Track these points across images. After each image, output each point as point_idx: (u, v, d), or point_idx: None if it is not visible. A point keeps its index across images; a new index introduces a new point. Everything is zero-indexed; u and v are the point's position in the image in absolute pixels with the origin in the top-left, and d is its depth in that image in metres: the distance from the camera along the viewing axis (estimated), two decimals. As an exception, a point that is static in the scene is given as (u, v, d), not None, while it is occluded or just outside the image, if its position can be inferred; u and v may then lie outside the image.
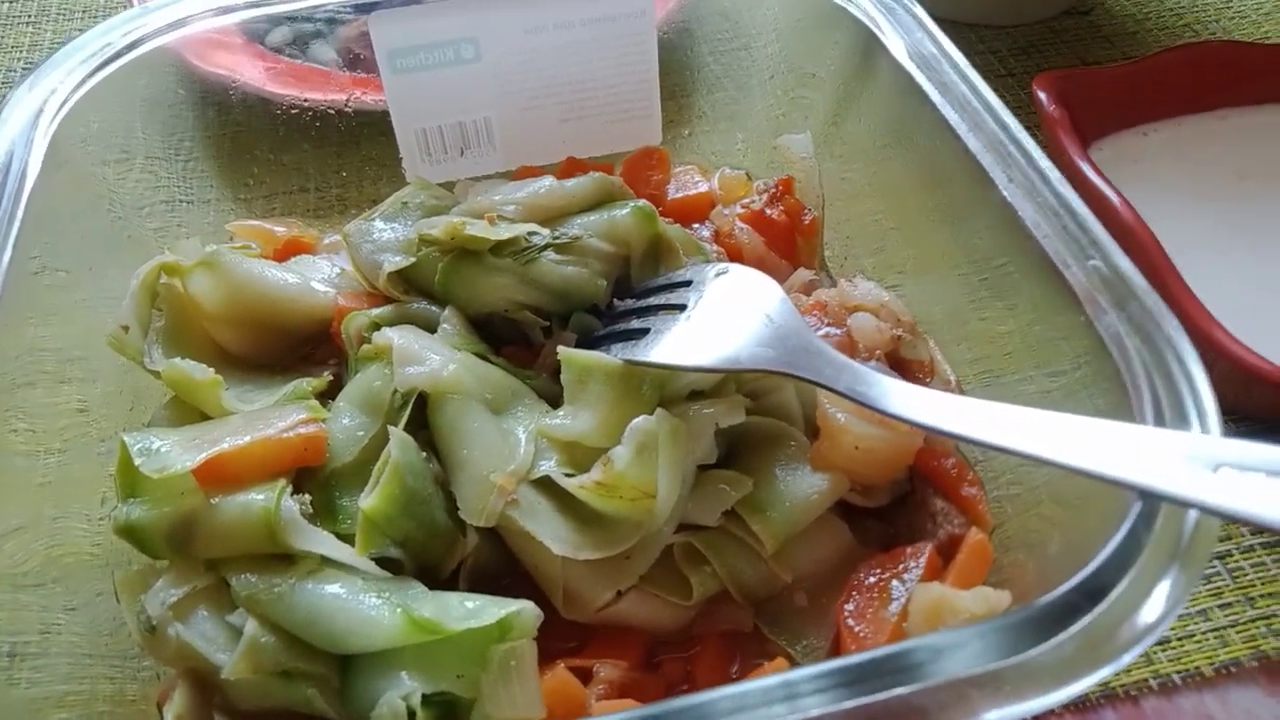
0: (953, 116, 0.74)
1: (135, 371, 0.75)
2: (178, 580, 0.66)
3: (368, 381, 0.74)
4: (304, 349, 0.84)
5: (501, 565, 0.72)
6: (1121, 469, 0.52)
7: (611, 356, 0.73)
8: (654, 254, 0.85)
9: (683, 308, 0.75)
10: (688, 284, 0.78)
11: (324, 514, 0.70)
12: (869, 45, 0.83)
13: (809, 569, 0.72)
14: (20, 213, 0.69)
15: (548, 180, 0.85)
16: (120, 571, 0.67)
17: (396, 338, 0.73)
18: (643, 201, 0.84)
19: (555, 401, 0.76)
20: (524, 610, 0.64)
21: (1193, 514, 0.53)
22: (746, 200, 0.95)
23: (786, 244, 0.93)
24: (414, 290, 0.82)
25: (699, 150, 1.00)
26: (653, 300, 0.78)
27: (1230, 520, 0.49)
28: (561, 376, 0.74)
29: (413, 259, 0.80)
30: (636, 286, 0.84)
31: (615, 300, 0.82)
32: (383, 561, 0.67)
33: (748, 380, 0.76)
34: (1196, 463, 0.51)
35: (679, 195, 0.97)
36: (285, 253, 0.91)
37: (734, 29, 0.96)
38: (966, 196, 0.74)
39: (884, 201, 0.87)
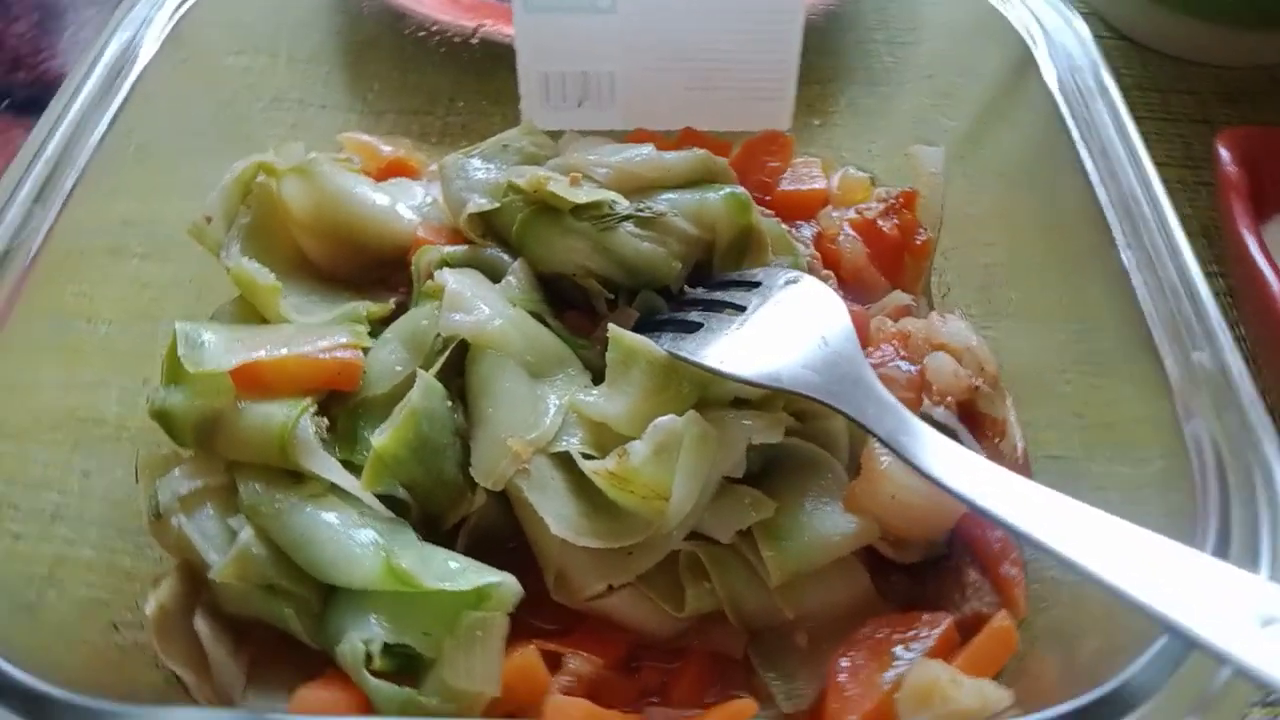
0: (1088, 160, 0.66)
1: (208, 265, 0.76)
2: (194, 473, 0.68)
3: (417, 319, 0.73)
4: (381, 271, 0.84)
5: (507, 530, 0.70)
6: (1153, 595, 0.46)
7: (658, 345, 0.69)
8: (741, 245, 0.80)
9: (743, 309, 0.71)
10: (756, 285, 0.73)
11: (345, 440, 0.70)
12: (1022, 63, 0.75)
13: (815, 610, 0.67)
14: (126, 89, 0.71)
15: (647, 149, 0.81)
16: (145, 452, 0.69)
17: (451, 280, 0.72)
18: (740, 189, 0.79)
19: (603, 376, 0.73)
20: (504, 584, 0.63)
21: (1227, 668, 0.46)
22: (863, 206, 0.89)
23: (892, 261, 0.87)
24: (492, 236, 0.80)
25: (826, 144, 0.94)
26: (716, 295, 0.74)
27: (1265, 686, 0.42)
28: (607, 354, 0.71)
29: (497, 204, 0.79)
30: (715, 276, 0.80)
31: (687, 287, 0.79)
32: (390, 501, 0.67)
33: (798, 399, 0.71)
34: (1246, 612, 0.44)
35: (791, 187, 0.92)
36: (387, 173, 0.91)
37: (887, 22, 0.89)
38: (1083, 250, 0.66)
39: (1002, 236, 0.79)
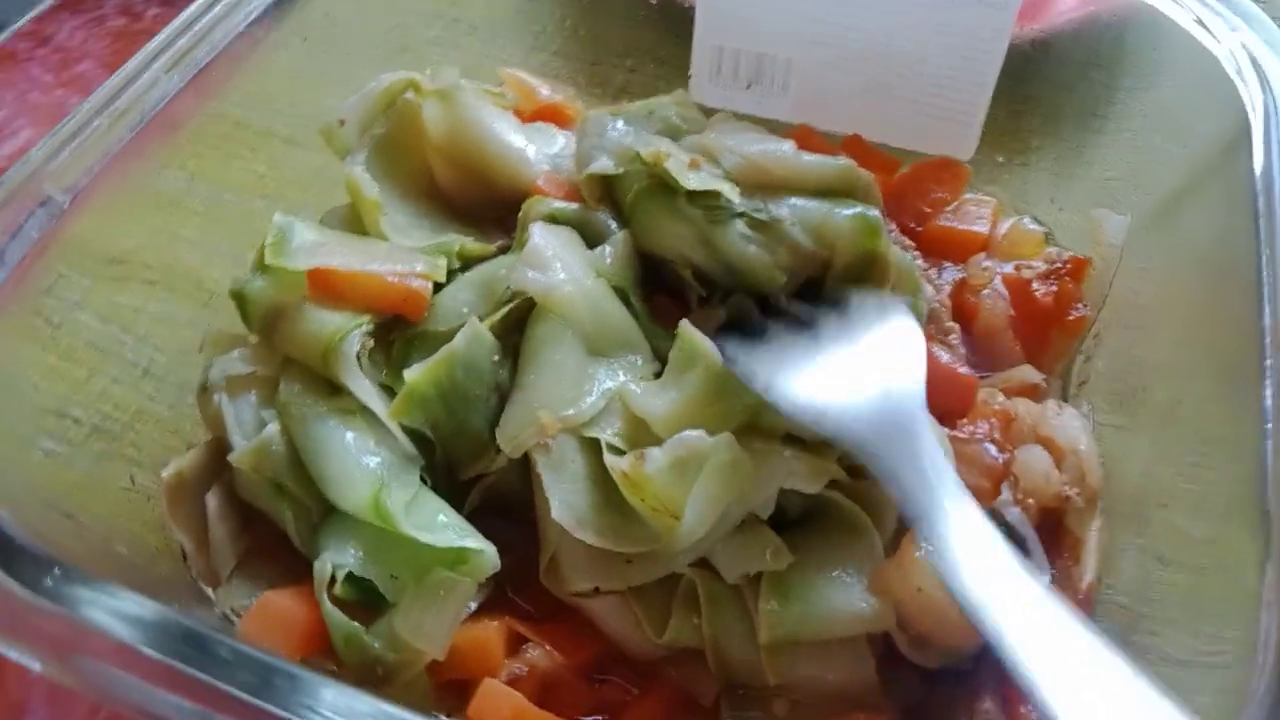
0: (1266, 272, 0.54)
1: (331, 167, 0.78)
2: (251, 359, 0.70)
3: (498, 266, 0.72)
4: (501, 210, 0.83)
5: (524, 499, 0.68)
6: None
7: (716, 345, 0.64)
8: (860, 271, 0.72)
9: (813, 328, 0.65)
10: (838, 304, 0.67)
11: (396, 365, 0.69)
12: (1237, 139, 0.62)
13: (803, 683, 0.61)
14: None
15: (788, 146, 0.75)
16: (216, 328, 0.72)
17: (537, 235, 0.70)
18: (873, 212, 0.71)
19: None
20: (484, 553, 0.61)
21: None
22: (1024, 263, 0.79)
23: (1036, 332, 0.76)
24: (609, 202, 0.77)
25: (1006, 184, 0.84)
26: (794, 308, 0.68)
27: None
28: (671, 350, 0.67)
29: (619, 170, 0.75)
30: (827, 297, 0.73)
31: (788, 298, 0.72)
32: (419, 437, 0.67)
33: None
34: None
35: (950, 224, 0.82)
36: (539, 116, 0.89)
37: (1101, 65, 0.77)
38: (1236, 378, 0.55)
39: (1166, 335, 0.67)
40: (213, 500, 0.67)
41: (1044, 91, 0.80)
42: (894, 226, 0.77)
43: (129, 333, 0.75)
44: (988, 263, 0.78)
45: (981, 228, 0.81)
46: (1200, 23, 0.69)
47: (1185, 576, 0.53)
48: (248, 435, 0.67)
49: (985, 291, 0.77)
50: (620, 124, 0.80)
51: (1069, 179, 0.81)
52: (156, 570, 0.65)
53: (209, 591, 0.66)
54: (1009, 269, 0.79)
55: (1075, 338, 0.75)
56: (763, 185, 0.74)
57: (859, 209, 0.72)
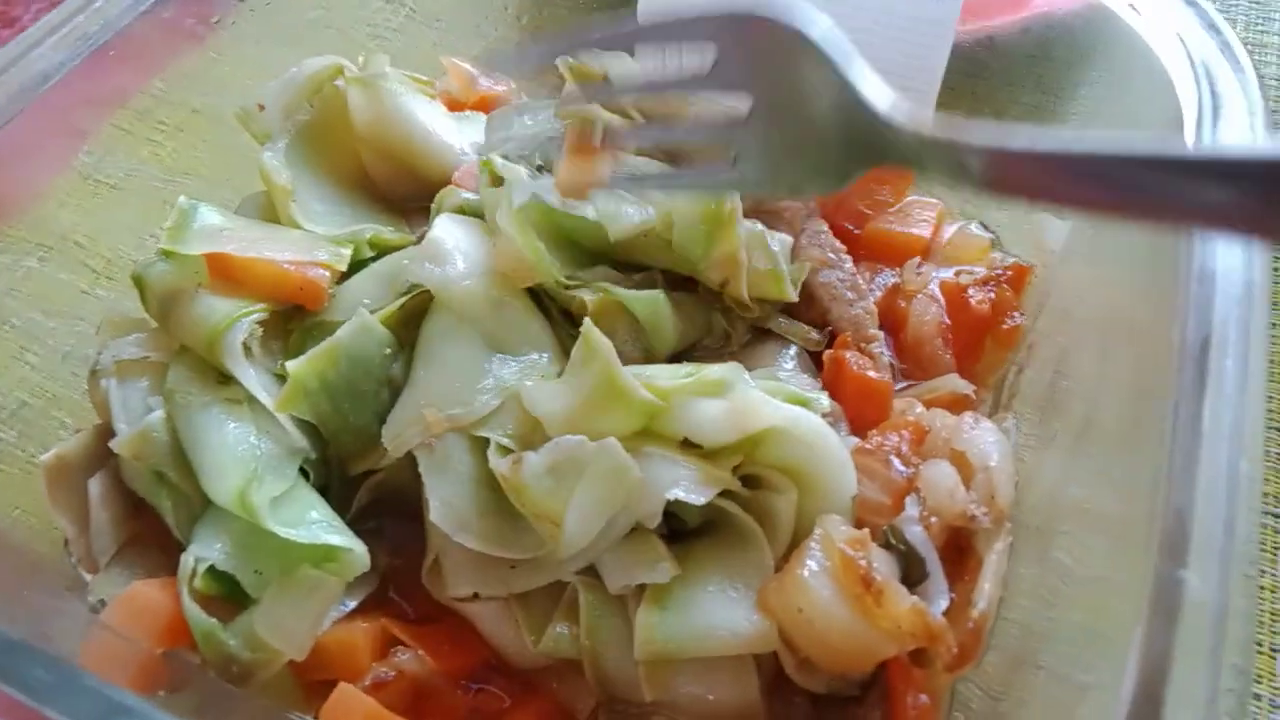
0: (1196, 285, 0.51)
1: (248, 153, 0.76)
2: (144, 344, 0.68)
3: (402, 258, 0.70)
4: (428, 200, 0.82)
5: (417, 497, 0.66)
6: None
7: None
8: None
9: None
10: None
11: (292, 355, 0.67)
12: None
13: (683, 702, 0.58)
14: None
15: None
16: (115, 312, 0.70)
17: (438, 227, 0.68)
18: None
19: None
20: (352, 554, 0.58)
21: None
22: (964, 268, 0.75)
23: (969, 342, 0.73)
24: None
25: (950, 186, 0.80)
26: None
27: None
28: (574, 346, 0.64)
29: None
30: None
31: None
32: (312, 429, 0.65)
33: (755, 464, 0.60)
34: None
35: (889, 226, 0.79)
36: (480, 105, 0.87)
37: (1053, 62, 0.73)
38: (1142, 396, 0.51)
39: (1100, 352, 0.63)
40: (95, 486, 0.65)
41: (992, 89, 0.76)
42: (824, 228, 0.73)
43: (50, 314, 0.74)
44: (923, 268, 0.75)
45: (923, 231, 0.78)
46: (1148, 22, 0.65)
47: (1077, 612, 0.50)
48: (132, 422, 0.65)
49: (917, 298, 0.73)
50: (525, 117, 0.78)
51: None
52: (34, 550, 0.64)
53: (87, 578, 0.64)
54: (948, 274, 0.75)
55: (1009, 348, 0.71)
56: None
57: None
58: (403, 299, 0.66)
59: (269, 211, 0.76)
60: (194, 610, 0.57)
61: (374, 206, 0.79)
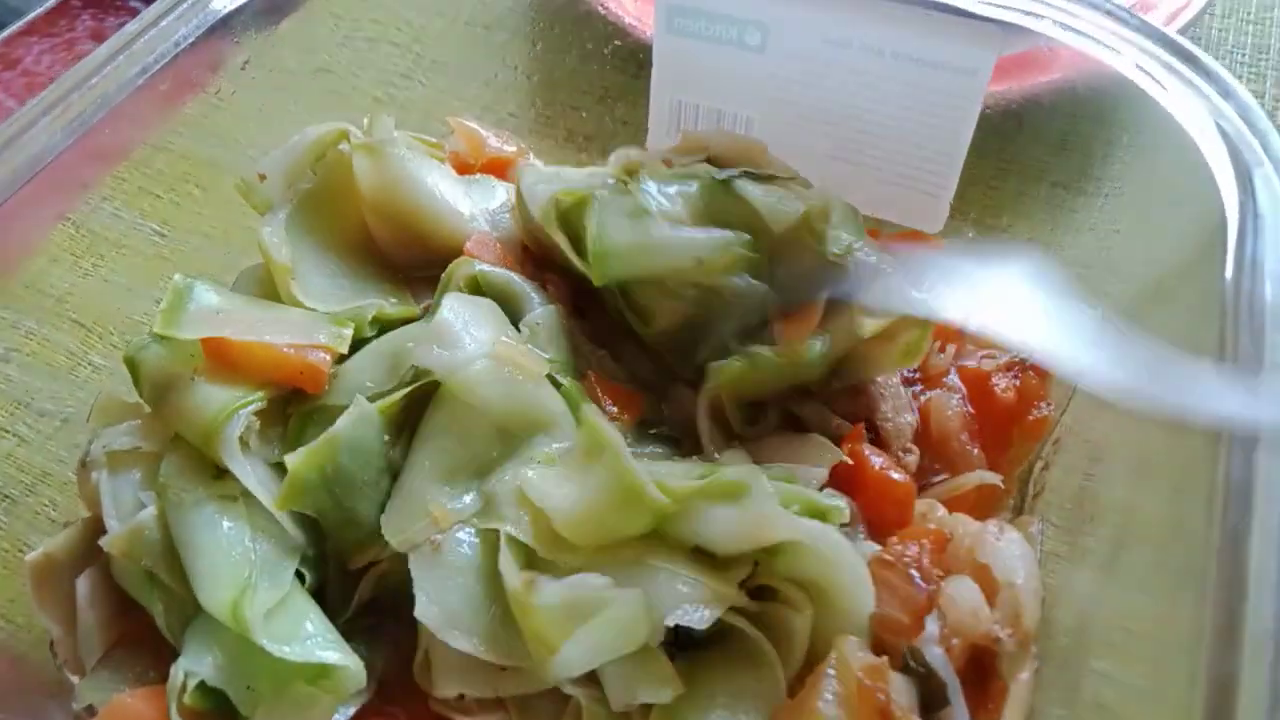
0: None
1: (248, 223, 0.74)
2: (136, 433, 0.66)
3: (405, 339, 0.67)
4: (439, 269, 0.79)
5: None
6: None
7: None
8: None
9: None
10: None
11: (293, 442, 0.65)
12: (1213, 239, 0.55)
13: (689, 832, 0.55)
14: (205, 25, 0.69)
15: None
16: (108, 394, 0.68)
17: (447, 308, 0.65)
18: None
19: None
20: (348, 670, 0.56)
21: None
22: (985, 354, 0.72)
23: (996, 431, 0.70)
24: (554, 267, 0.72)
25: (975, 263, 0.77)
26: None
27: None
28: (576, 436, 0.62)
29: (581, 191, 0.70)
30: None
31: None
32: (310, 521, 0.62)
33: (772, 574, 0.58)
34: None
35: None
36: (489, 168, 0.85)
37: (1082, 140, 0.70)
38: (1179, 521, 0.48)
39: (1132, 447, 0.60)
40: (84, 585, 0.63)
41: (1017, 166, 0.74)
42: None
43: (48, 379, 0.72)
44: (943, 353, 0.72)
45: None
46: (1182, 102, 0.62)
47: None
48: (123, 518, 0.63)
49: (939, 390, 0.70)
50: (564, 173, 0.76)
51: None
52: (14, 649, 0.62)
53: (73, 680, 0.62)
54: (970, 361, 0.72)
55: (1036, 440, 0.68)
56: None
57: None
58: (407, 389, 0.63)
59: (268, 285, 0.74)
60: (181, 730, 0.54)
61: (378, 275, 0.77)
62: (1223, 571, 0.43)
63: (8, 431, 0.73)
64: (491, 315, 0.67)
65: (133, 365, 0.66)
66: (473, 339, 0.64)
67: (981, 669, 0.56)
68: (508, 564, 0.57)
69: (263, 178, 0.75)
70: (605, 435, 0.60)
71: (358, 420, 0.61)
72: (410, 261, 0.78)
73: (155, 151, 0.80)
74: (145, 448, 0.65)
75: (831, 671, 0.53)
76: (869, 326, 0.66)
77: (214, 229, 0.83)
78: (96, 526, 0.64)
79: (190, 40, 0.74)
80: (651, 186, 0.70)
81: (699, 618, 0.55)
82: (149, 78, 0.68)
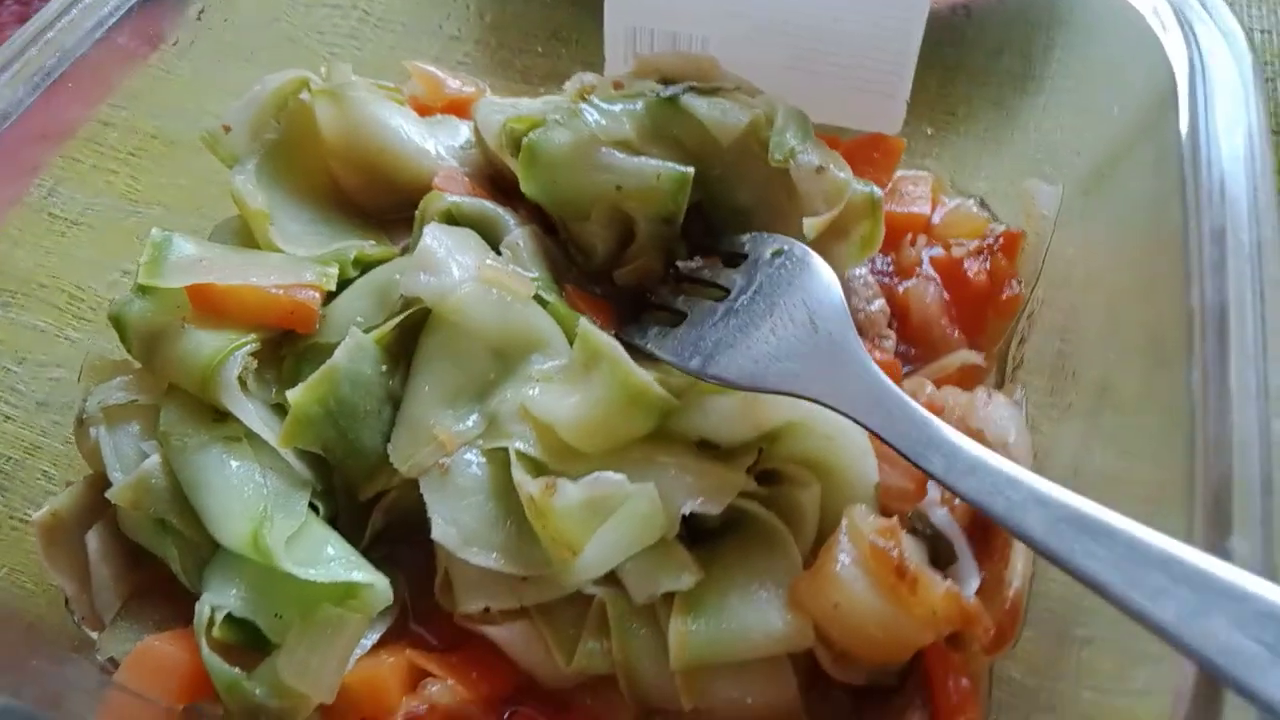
0: (1193, 242, 0.50)
1: (219, 177, 0.73)
2: (130, 387, 0.66)
3: (391, 271, 0.68)
4: (410, 210, 0.79)
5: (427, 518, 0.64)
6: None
7: (642, 342, 0.64)
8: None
9: (728, 292, 0.63)
10: (743, 258, 0.66)
11: (288, 382, 0.65)
12: (1165, 98, 0.58)
13: (722, 708, 0.57)
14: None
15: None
16: (95, 355, 0.67)
17: (429, 236, 0.66)
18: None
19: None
20: (375, 587, 0.57)
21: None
22: (954, 240, 0.75)
23: (971, 314, 0.72)
24: (518, 196, 0.73)
25: (934, 156, 0.79)
26: (703, 274, 0.67)
27: None
28: (573, 348, 0.63)
29: (534, 117, 0.71)
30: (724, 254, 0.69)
31: (678, 264, 0.70)
32: (314, 458, 0.63)
33: (775, 458, 0.60)
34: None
35: (888, 208, 0.78)
36: (448, 109, 0.85)
37: (1032, 26, 0.72)
38: (1165, 358, 0.51)
39: (1102, 312, 0.63)
40: (94, 540, 0.63)
41: (970, 58, 0.76)
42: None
43: (21, 362, 0.71)
44: (915, 245, 0.74)
45: (920, 209, 0.77)
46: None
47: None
48: (127, 469, 0.62)
49: (915, 279, 0.73)
50: (520, 103, 0.76)
51: (998, 146, 0.76)
52: (31, 611, 0.61)
53: (93, 635, 0.62)
54: (938, 250, 0.75)
55: (1010, 317, 0.71)
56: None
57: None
58: (399, 316, 0.64)
59: (244, 237, 0.73)
60: (215, 661, 0.55)
61: (351, 222, 0.77)
62: (1211, 386, 0.46)
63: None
64: (472, 241, 0.68)
65: (119, 322, 0.65)
66: (458, 264, 0.65)
67: (982, 525, 0.59)
68: (521, 475, 0.58)
69: (227, 129, 0.74)
70: (602, 343, 0.61)
71: (354, 350, 0.62)
72: (379, 205, 0.78)
73: (102, 128, 0.79)
74: (141, 400, 0.65)
75: (845, 538, 0.55)
76: (811, 226, 0.67)
77: (174, 199, 0.82)
78: (100, 482, 0.64)
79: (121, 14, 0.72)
80: (596, 106, 0.71)
81: (713, 505, 0.57)
82: (105, 33, 0.67)
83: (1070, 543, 0.42)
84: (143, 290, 0.66)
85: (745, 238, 0.68)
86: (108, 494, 0.61)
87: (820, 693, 0.58)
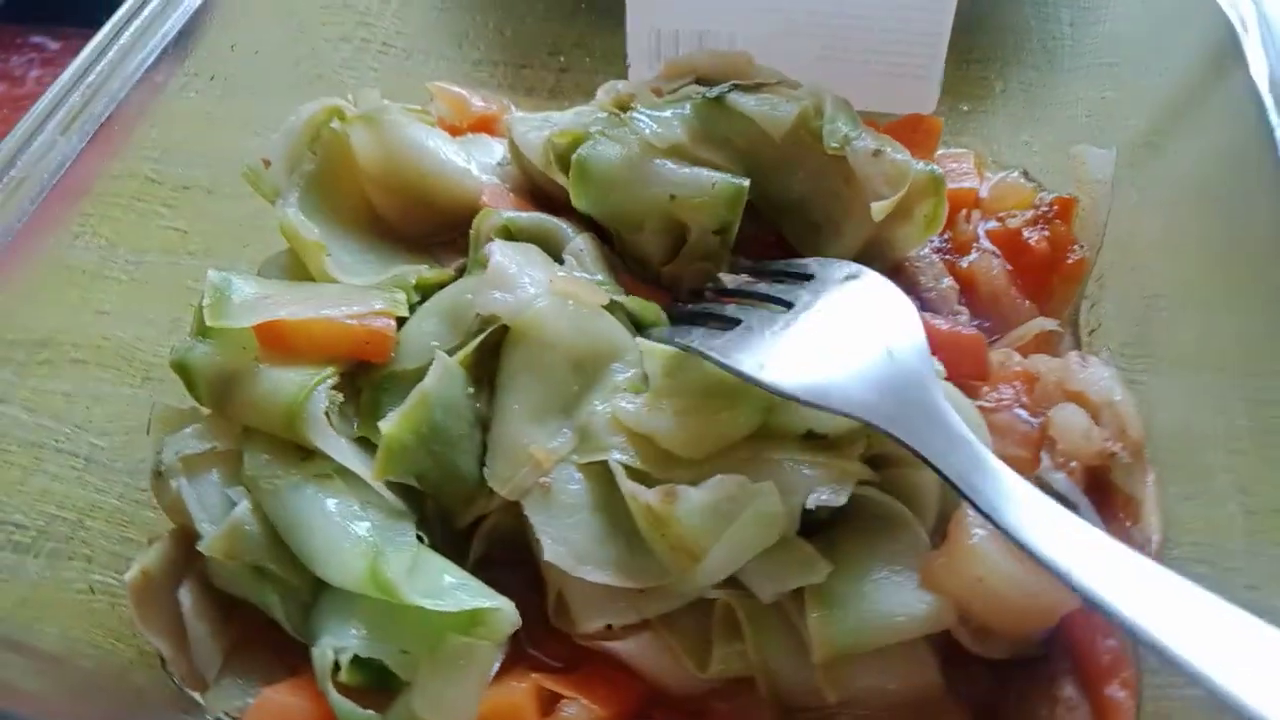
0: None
1: (262, 213, 0.71)
2: (204, 434, 0.63)
3: (461, 292, 0.66)
4: (451, 232, 0.77)
5: (526, 540, 0.62)
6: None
7: (685, 342, 0.60)
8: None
9: (790, 305, 0.60)
10: (808, 278, 0.62)
11: (368, 414, 0.63)
12: (1226, 54, 0.59)
13: (866, 697, 0.56)
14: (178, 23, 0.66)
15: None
16: (163, 404, 0.65)
17: (497, 253, 0.64)
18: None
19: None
20: (501, 611, 0.55)
21: None
22: (1007, 214, 0.75)
23: (1038, 281, 0.73)
24: (562, 210, 0.72)
25: (976, 133, 0.80)
26: (760, 288, 0.64)
27: None
28: (645, 365, 0.62)
29: (572, 131, 0.71)
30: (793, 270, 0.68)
31: (722, 275, 0.68)
32: (405, 490, 0.61)
33: (880, 440, 0.59)
34: None
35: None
36: (474, 128, 0.84)
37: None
38: (1275, 291, 0.51)
39: (1176, 265, 0.64)
40: (187, 597, 0.60)
41: (1004, 31, 0.77)
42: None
43: (63, 421, 0.67)
44: (967, 224, 0.75)
45: (969, 183, 0.77)
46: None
47: (1252, 521, 0.50)
48: (215, 519, 0.60)
49: (974, 255, 0.73)
50: (552, 117, 0.75)
51: (1042, 119, 0.77)
52: (131, 682, 0.58)
53: (196, 697, 0.59)
54: (993, 224, 0.75)
55: (1077, 282, 0.72)
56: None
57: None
58: (480, 335, 0.62)
59: (293, 271, 0.72)
60: (346, 706, 0.53)
61: (396, 249, 0.75)
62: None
63: (39, 469, 0.68)
64: (537, 255, 0.67)
65: (184, 369, 0.63)
66: (530, 279, 0.64)
67: (1100, 486, 0.59)
68: (633, 485, 0.57)
69: (267, 164, 0.72)
70: (664, 351, 0.61)
71: (443, 375, 0.60)
72: (420, 230, 0.76)
73: (114, 180, 0.76)
74: (219, 447, 0.62)
75: (970, 511, 0.55)
76: (879, 210, 0.67)
77: (211, 244, 0.79)
78: (185, 536, 0.61)
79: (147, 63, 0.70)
80: (644, 114, 0.70)
81: (837, 496, 0.56)
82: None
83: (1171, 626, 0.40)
84: (205, 334, 0.63)
85: (810, 261, 0.65)
86: (199, 546, 0.59)
87: (960, 672, 0.57)
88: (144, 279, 0.72)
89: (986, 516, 0.47)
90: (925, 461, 0.50)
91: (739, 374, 0.57)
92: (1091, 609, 0.43)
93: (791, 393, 0.55)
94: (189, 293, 0.70)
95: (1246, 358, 0.55)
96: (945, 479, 0.49)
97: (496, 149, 0.79)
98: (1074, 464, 0.58)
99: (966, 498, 0.48)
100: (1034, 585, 0.52)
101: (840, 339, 0.57)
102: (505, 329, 0.63)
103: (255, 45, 0.74)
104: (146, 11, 0.68)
